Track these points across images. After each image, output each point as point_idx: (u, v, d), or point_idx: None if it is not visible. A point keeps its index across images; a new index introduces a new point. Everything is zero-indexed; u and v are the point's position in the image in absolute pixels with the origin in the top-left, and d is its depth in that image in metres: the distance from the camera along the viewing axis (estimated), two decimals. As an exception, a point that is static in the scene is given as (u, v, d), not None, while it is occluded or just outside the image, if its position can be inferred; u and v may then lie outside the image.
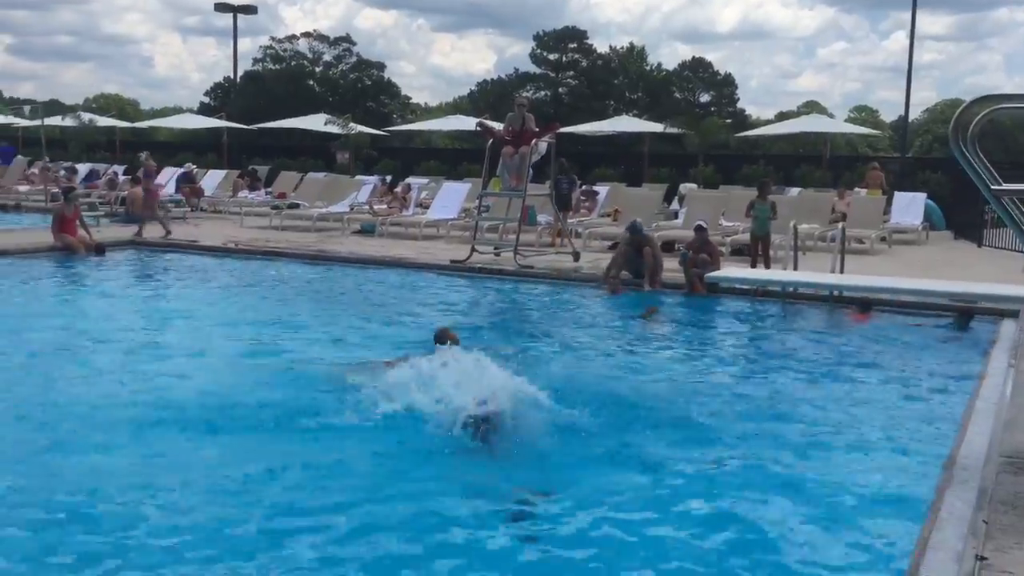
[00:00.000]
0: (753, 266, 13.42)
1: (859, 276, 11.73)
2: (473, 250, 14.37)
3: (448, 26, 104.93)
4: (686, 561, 4.45)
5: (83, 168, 26.13)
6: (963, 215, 19.94)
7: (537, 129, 14.82)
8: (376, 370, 6.42)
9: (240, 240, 16.22)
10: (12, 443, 5.81)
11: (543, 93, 56.19)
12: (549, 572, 4.43)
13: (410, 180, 23.81)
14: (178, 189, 22.63)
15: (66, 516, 4.72)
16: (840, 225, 13.01)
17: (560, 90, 56.84)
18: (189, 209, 21.42)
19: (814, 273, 11.80)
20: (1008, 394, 6.74)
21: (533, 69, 58.01)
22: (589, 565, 4.41)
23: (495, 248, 15.05)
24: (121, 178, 23.87)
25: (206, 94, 60.81)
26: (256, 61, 58.67)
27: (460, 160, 29.45)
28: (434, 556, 4.41)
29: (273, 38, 60.60)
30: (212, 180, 24.78)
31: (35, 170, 26.04)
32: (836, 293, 11.41)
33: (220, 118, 37.32)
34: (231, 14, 37.00)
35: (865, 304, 10.94)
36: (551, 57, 57.22)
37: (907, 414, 6.92)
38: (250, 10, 38.16)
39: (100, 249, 14.62)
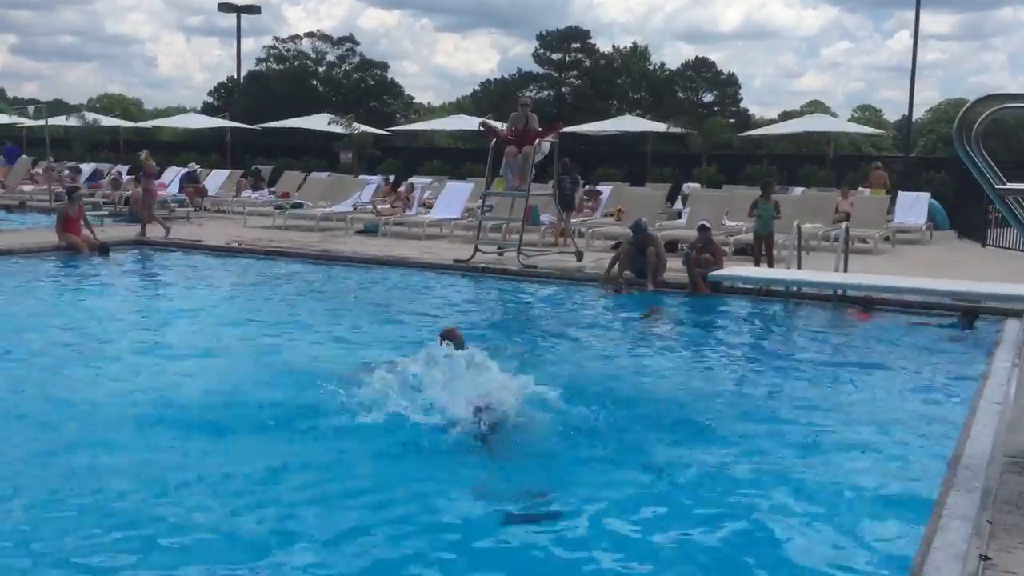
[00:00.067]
0: (756, 265, 13.40)
1: (863, 275, 11.71)
2: (476, 250, 14.37)
3: (451, 26, 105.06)
4: (687, 561, 4.45)
5: (87, 168, 26.15)
6: (967, 215, 19.91)
7: (540, 129, 14.82)
8: (377, 371, 6.42)
9: (244, 240, 16.23)
10: (14, 443, 5.82)
11: (546, 93, 56.14)
12: (549, 572, 4.43)
13: (413, 180, 23.81)
14: (182, 189, 22.63)
15: (65, 516, 4.73)
16: (844, 225, 12.99)
17: (563, 90, 56.77)
18: (193, 209, 21.44)
19: (817, 272, 11.78)
20: (1012, 394, 6.73)
21: (536, 69, 57.97)
22: (590, 565, 4.40)
23: (498, 248, 15.05)
24: (125, 178, 23.88)
25: (210, 94, 60.96)
26: (260, 61, 58.75)
27: (463, 160, 29.48)
28: (434, 556, 4.41)
29: (276, 38, 60.65)
30: (216, 180, 24.79)
31: (39, 170, 26.06)
32: (840, 292, 11.39)
33: (224, 118, 37.33)
34: (234, 14, 36.97)
35: (867, 303, 10.93)
36: (554, 57, 57.17)
37: (911, 414, 6.90)
38: (253, 10, 38.12)
39: (104, 249, 14.64)
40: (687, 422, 6.60)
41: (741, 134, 35.15)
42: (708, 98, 57.87)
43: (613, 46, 60.91)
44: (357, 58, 59.50)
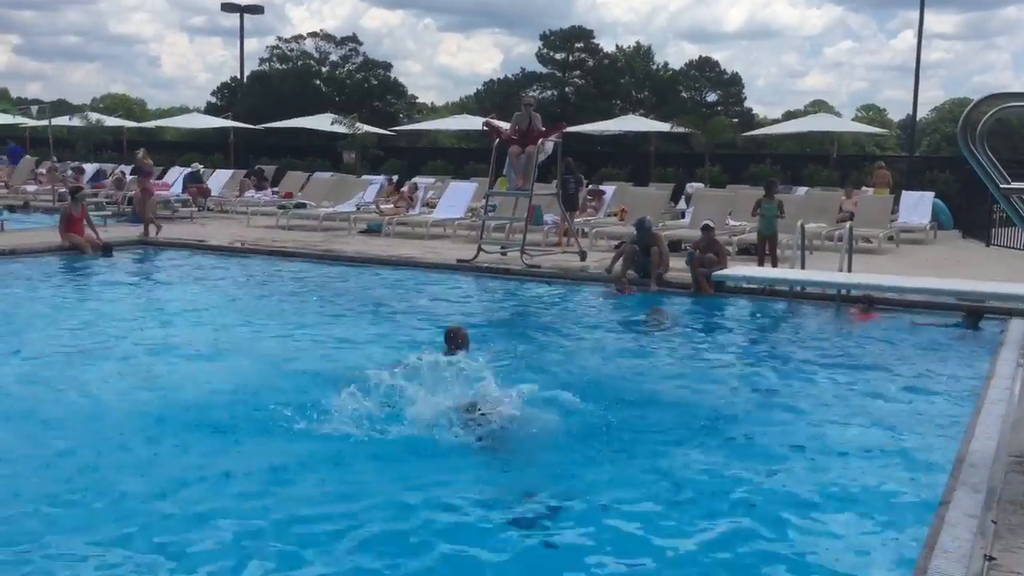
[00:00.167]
0: (760, 265, 13.39)
1: (867, 275, 11.69)
2: (480, 249, 14.37)
3: (454, 26, 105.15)
4: (689, 561, 4.45)
5: (90, 168, 26.17)
6: (971, 214, 19.89)
7: (544, 128, 14.81)
8: (381, 372, 6.42)
9: (247, 239, 16.25)
10: (19, 441, 5.82)
11: (549, 93, 56.15)
12: (549, 572, 4.42)
13: (416, 179, 23.82)
14: (185, 189, 22.66)
15: (70, 515, 4.73)
16: (847, 224, 12.97)
17: (567, 89, 56.78)
18: (196, 209, 21.48)
19: (821, 272, 11.76)
20: (1017, 394, 6.72)
21: (540, 69, 58.02)
22: (591, 565, 4.39)
23: (502, 247, 15.05)
24: (128, 178, 23.90)
25: (213, 94, 61.08)
26: (263, 61, 58.89)
27: (466, 160, 29.51)
28: (434, 556, 4.40)
29: (280, 38, 60.74)
30: (219, 180, 24.83)
31: (43, 170, 26.11)
32: (844, 292, 11.37)
33: (227, 118, 37.40)
34: (238, 14, 37.00)
35: (867, 302, 10.92)
36: (558, 57, 57.18)
37: (915, 413, 6.89)
38: (256, 10, 38.14)
39: (107, 249, 14.66)
40: (689, 422, 6.59)
41: (745, 134, 35.12)
42: (712, 98, 57.87)
43: (616, 46, 61.08)
44: (360, 58, 59.58)
